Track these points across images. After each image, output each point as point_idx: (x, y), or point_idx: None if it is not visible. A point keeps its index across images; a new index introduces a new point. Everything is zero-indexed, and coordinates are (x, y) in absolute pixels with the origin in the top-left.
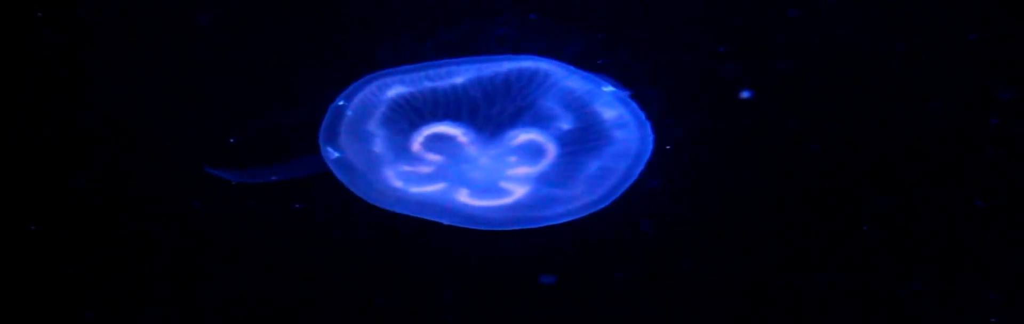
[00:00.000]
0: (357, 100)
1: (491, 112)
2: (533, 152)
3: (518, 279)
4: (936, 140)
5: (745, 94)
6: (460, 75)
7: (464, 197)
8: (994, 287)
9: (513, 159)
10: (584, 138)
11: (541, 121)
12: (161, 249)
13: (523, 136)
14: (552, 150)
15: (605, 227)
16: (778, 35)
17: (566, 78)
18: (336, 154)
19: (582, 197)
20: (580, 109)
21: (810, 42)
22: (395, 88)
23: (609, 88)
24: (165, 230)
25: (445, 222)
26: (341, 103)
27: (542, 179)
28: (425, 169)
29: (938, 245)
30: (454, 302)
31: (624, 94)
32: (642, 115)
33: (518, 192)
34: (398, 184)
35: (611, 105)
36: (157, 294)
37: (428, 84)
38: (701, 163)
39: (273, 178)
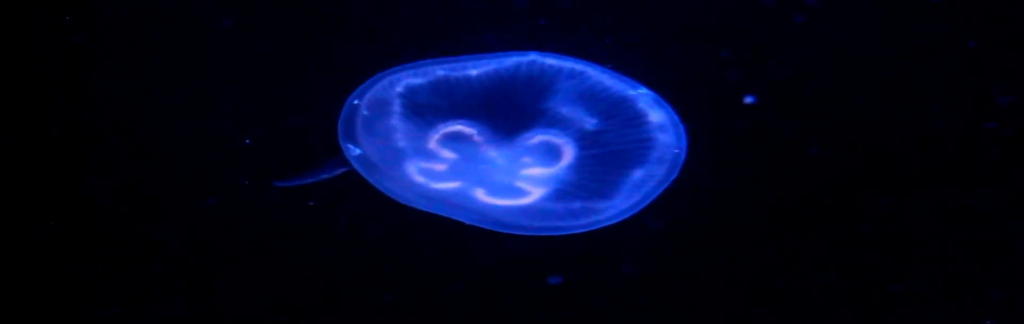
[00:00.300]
0: (371, 96)
1: (509, 111)
2: (549, 153)
3: (525, 279)
4: (935, 143)
5: (748, 99)
6: (475, 68)
7: (482, 196)
8: (994, 287)
9: (528, 160)
10: (614, 140)
11: (561, 122)
12: (182, 247)
13: (539, 137)
14: (570, 152)
15: (610, 228)
16: (779, 41)
17: (598, 77)
18: (357, 151)
19: (619, 205)
20: (613, 110)
21: (811, 48)
22: (408, 81)
23: (642, 90)
24: (183, 228)
25: (466, 221)
26: (356, 102)
27: (568, 184)
28: (440, 166)
29: (936, 246)
30: (460, 301)
31: (658, 96)
32: (677, 118)
33: (536, 192)
34: (420, 179)
35: (654, 107)
36: (174, 291)
37: (441, 73)
38: (706, 166)
39: (317, 178)
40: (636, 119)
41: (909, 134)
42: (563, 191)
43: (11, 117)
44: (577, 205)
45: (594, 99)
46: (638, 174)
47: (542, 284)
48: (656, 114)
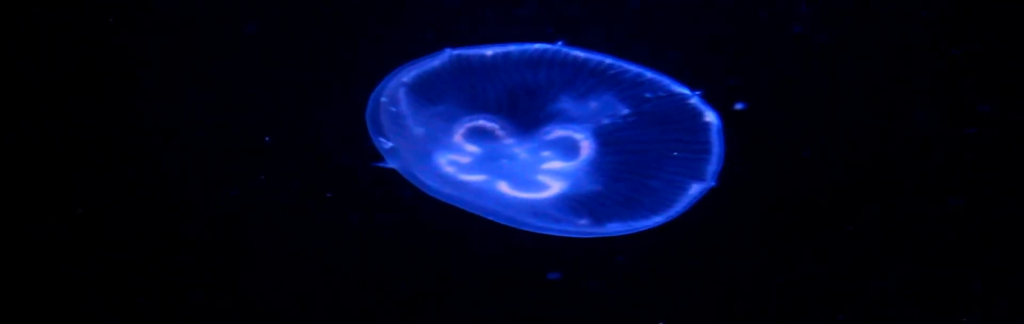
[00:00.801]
0: (391, 90)
1: (531, 104)
2: (570, 149)
3: (528, 275)
4: (919, 148)
5: (739, 106)
6: (492, 50)
7: (505, 189)
8: (980, 283)
9: (548, 153)
10: (656, 141)
11: (586, 118)
12: (200, 242)
13: (559, 132)
14: (588, 147)
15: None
16: (772, 50)
17: (636, 71)
18: (389, 144)
19: (657, 217)
20: (652, 108)
21: (801, 57)
22: (423, 70)
23: (679, 87)
24: (202, 224)
25: (490, 217)
26: (383, 99)
27: (603, 189)
28: (465, 159)
29: (921, 246)
30: (467, 296)
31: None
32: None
33: (555, 186)
34: (449, 170)
35: (706, 107)
36: (187, 287)
37: (454, 53)
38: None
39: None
40: (685, 114)
41: (894, 139)
42: (600, 196)
43: (40, 116)
44: (625, 224)
45: (626, 94)
46: (693, 185)
47: (543, 280)
48: (710, 115)
